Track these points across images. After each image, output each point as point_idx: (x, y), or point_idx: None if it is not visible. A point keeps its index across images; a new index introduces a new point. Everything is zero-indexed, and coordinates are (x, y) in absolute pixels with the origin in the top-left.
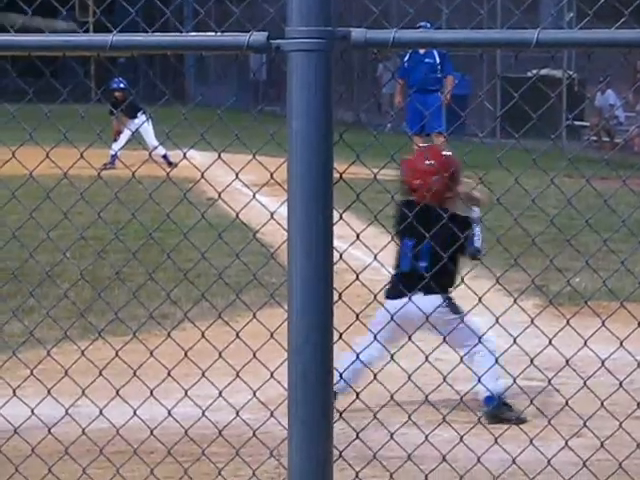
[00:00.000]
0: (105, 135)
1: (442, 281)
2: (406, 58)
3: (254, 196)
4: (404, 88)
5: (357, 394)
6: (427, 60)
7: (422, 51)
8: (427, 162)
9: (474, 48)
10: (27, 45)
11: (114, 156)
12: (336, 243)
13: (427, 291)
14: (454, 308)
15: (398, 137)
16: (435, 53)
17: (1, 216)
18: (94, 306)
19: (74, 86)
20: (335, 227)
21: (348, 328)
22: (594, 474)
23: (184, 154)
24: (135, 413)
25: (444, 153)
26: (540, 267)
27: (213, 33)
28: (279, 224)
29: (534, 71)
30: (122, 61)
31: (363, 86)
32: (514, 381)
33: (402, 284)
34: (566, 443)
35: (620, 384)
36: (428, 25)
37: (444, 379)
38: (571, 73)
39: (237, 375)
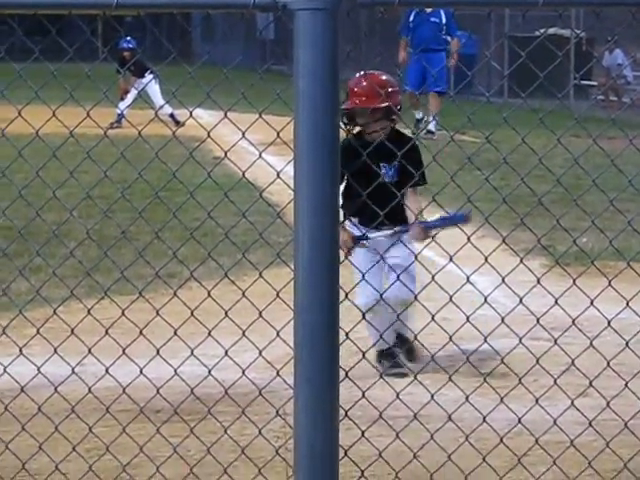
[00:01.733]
0: (111, 94)
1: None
2: (411, 17)
3: (260, 155)
4: (406, 46)
5: (363, 353)
6: (433, 19)
7: (428, 10)
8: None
9: (482, 7)
10: (33, 3)
11: (120, 115)
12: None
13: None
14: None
15: (405, 97)
16: (442, 13)
17: (8, 175)
18: (100, 265)
19: (80, 45)
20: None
21: (353, 288)
22: (600, 434)
23: (190, 113)
24: (141, 372)
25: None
26: (547, 227)
27: None
28: (286, 183)
29: (542, 30)
30: (129, 20)
31: (371, 45)
32: (520, 341)
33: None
34: (572, 403)
35: (626, 344)
36: None
37: (450, 338)
38: (579, 32)
39: (243, 334)
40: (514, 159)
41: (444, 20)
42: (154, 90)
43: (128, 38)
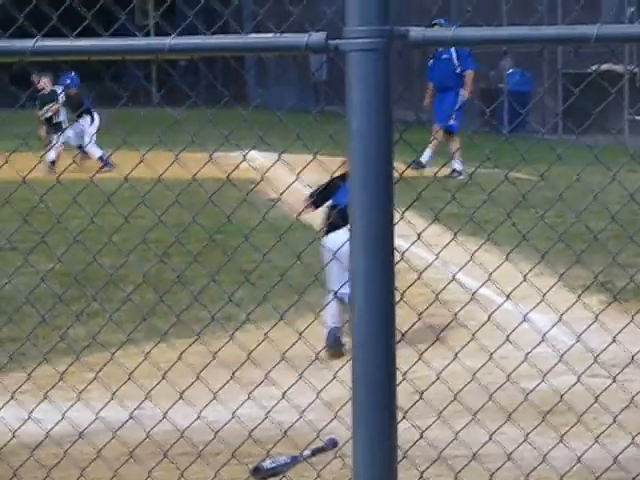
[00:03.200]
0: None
1: None
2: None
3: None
4: (431, 89)
5: (421, 394)
6: (444, 57)
7: (441, 49)
8: None
9: (534, 44)
10: (86, 50)
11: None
12: (398, 242)
13: None
14: None
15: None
16: (452, 50)
17: (64, 221)
18: (157, 309)
19: (135, 89)
20: (396, 226)
21: (411, 327)
22: None
23: (244, 156)
24: (199, 415)
25: None
26: (604, 263)
27: (272, 34)
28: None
29: (595, 67)
30: (183, 64)
31: (423, 84)
32: (578, 378)
33: (339, 218)
34: (633, 440)
35: None
36: (442, 21)
37: (508, 377)
38: (632, 68)
39: (300, 376)
40: (569, 196)
41: (455, 56)
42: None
43: (72, 74)
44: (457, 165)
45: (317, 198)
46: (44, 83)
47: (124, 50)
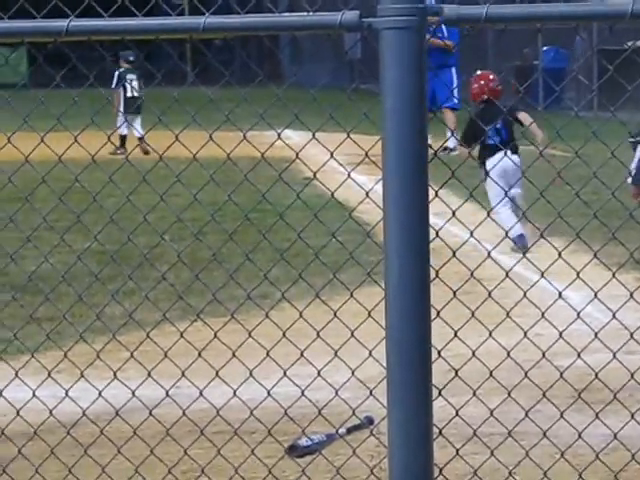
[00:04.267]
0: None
1: (514, 146)
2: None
3: (349, 175)
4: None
5: (456, 371)
6: (438, 35)
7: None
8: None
9: (569, 21)
10: (121, 29)
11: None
12: (432, 220)
13: (512, 152)
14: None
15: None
16: (443, 28)
17: (99, 200)
18: (193, 288)
19: (169, 69)
20: (431, 204)
21: (446, 305)
22: None
23: (279, 134)
24: (235, 393)
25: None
26: (639, 241)
27: (305, 13)
28: (375, 203)
29: (630, 43)
30: (218, 43)
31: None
32: (614, 355)
33: (494, 149)
34: None
35: None
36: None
37: (543, 355)
38: None
39: (335, 354)
40: (605, 173)
41: (446, 33)
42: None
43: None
44: (451, 143)
45: (467, 140)
46: (123, 62)
47: (159, 29)
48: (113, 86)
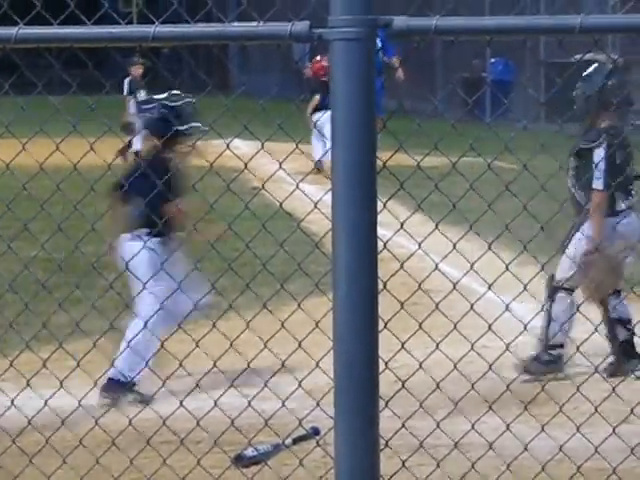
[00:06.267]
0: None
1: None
2: None
3: (297, 185)
4: None
5: (403, 383)
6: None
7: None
8: None
9: (518, 34)
10: (69, 37)
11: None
12: (380, 231)
13: None
14: None
15: (442, 124)
16: (378, 39)
17: (47, 208)
18: None
19: (118, 78)
20: (379, 215)
21: (393, 317)
22: None
23: (227, 144)
24: (181, 403)
25: None
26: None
27: (255, 23)
28: (323, 213)
29: (577, 56)
30: (166, 52)
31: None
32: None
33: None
34: (613, 430)
35: None
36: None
37: (490, 367)
38: (616, 57)
39: (282, 364)
40: (551, 185)
41: (379, 45)
42: None
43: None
44: None
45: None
46: (136, 70)
47: (108, 38)
48: (125, 93)
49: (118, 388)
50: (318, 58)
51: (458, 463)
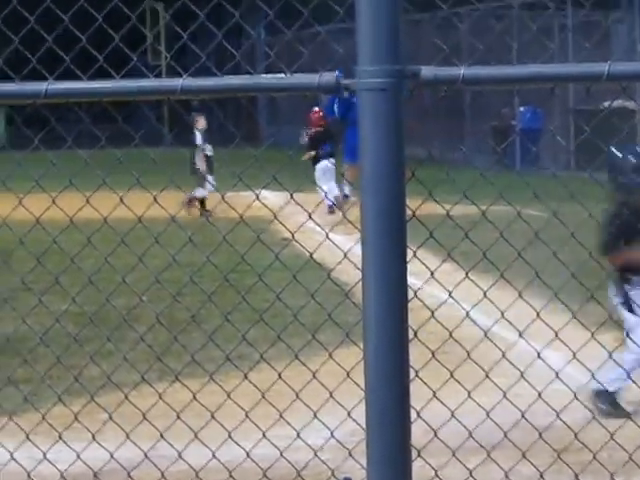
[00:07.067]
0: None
1: None
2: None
3: (327, 236)
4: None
5: (435, 432)
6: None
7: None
8: None
9: (546, 83)
10: (98, 92)
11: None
12: (411, 280)
13: None
14: None
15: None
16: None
17: (78, 261)
18: (171, 349)
19: (147, 130)
20: (410, 264)
21: (425, 366)
22: None
23: (257, 195)
24: (214, 455)
25: None
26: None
27: (283, 75)
28: (353, 263)
29: (606, 103)
30: (195, 104)
31: (434, 122)
32: (593, 416)
33: None
34: None
35: None
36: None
37: (522, 415)
38: None
39: (315, 415)
40: (582, 233)
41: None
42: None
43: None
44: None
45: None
46: (201, 122)
47: (136, 91)
48: (199, 143)
49: (605, 397)
50: (316, 109)
51: None
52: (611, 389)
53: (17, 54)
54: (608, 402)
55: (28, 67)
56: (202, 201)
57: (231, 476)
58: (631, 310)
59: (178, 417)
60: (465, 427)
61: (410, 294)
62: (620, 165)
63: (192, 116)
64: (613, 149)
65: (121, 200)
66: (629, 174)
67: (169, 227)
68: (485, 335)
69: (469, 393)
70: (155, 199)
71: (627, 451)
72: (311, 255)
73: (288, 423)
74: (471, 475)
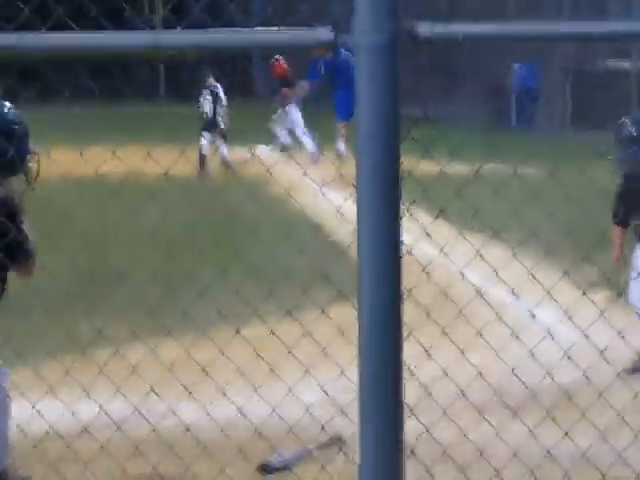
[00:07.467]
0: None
1: None
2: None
3: (322, 193)
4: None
5: (427, 390)
6: (345, 53)
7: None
8: None
9: (544, 40)
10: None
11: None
12: (405, 237)
13: None
14: None
15: (464, 131)
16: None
17: (70, 218)
18: (164, 305)
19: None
20: (404, 221)
21: (418, 323)
22: None
23: (252, 152)
24: (206, 410)
25: None
26: (611, 261)
27: (277, 28)
28: (347, 219)
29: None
30: (190, 62)
31: (433, 79)
32: (584, 373)
33: None
34: (636, 435)
35: None
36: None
37: (514, 373)
38: None
39: (307, 371)
40: (577, 192)
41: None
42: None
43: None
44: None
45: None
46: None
47: (117, 46)
48: (224, 99)
49: None
50: (279, 58)
51: (483, 470)
52: None
53: (8, 4)
54: None
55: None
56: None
57: (222, 431)
58: None
59: (170, 371)
60: (457, 385)
61: (404, 251)
62: (625, 136)
63: (206, 72)
64: (625, 120)
65: (113, 154)
66: (632, 146)
67: (162, 182)
68: (478, 293)
69: (461, 351)
70: (149, 154)
71: (616, 409)
72: (306, 211)
73: (280, 379)
74: (463, 433)
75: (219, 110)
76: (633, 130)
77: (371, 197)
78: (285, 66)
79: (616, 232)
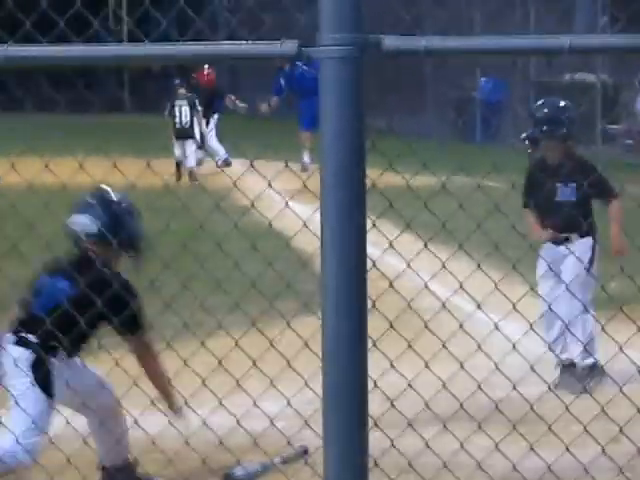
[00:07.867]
0: (139, 145)
1: None
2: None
3: (287, 204)
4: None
5: (392, 402)
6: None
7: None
8: None
9: (508, 55)
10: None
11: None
12: (370, 250)
13: None
14: None
15: (429, 144)
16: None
17: (37, 227)
18: None
19: (107, 97)
20: (369, 234)
21: (382, 335)
22: None
23: (216, 163)
24: (170, 422)
25: None
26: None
27: (245, 42)
28: (312, 232)
29: (567, 76)
30: (156, 72)
31: (398, 91)
32: (549, 387)
33: None
34: (603, 449)
35: None
36: None
37: (479, 386)
38: (605, 77)
39: (271, 383)
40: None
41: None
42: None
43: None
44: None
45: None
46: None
47: (90, 58)
48: (199, 108)
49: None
50: (206, 68)
51: None
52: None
53: None
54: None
55: None
56: (178, 165)
57: (187, 443)
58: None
59: (135, 383)
60: (422, 397)
61: (369, 264)
62: (540, 117)
63: (176, 84)
64: (542, 102)
65: (80, 166)
66: (539, 125)
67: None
68: (443, 305)
69: (426, 363)
70: (115, 165)
71: (582, 423)
72: (270, 223)
73: (244, 391)
74: (427, 445)
75: (195, 119)
76: (547, 111)
77: (336, 209)
78: (213, 76)
79: (528, 216)
